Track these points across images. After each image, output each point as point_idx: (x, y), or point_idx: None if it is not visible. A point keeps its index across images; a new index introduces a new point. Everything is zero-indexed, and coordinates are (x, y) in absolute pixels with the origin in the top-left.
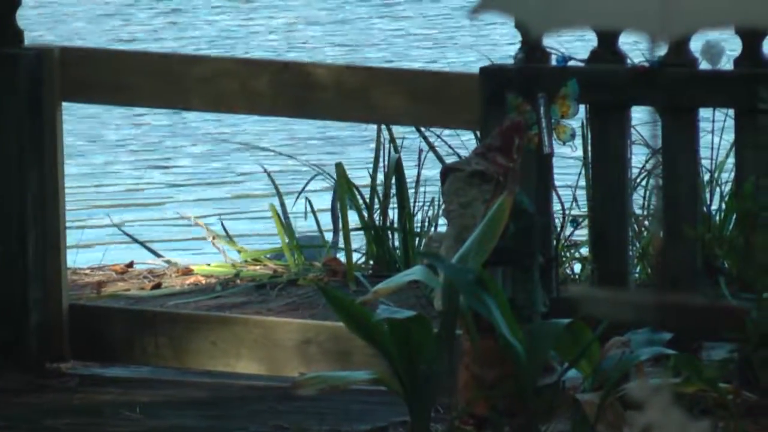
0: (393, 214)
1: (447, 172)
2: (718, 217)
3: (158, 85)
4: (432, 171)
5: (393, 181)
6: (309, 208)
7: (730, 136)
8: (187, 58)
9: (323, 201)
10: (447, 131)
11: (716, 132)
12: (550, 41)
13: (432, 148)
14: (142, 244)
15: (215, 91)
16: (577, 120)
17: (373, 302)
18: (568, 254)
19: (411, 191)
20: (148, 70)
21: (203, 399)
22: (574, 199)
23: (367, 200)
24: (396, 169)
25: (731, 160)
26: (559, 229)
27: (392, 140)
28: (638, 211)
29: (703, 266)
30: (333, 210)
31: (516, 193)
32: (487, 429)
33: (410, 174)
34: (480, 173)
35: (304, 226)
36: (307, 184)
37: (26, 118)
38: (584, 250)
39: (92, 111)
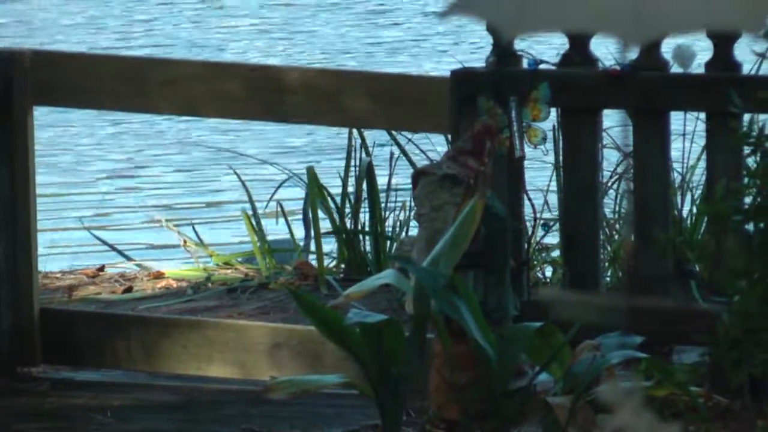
0: (364, 217)
1: (418, 175)
2: (689, 221)
3: (129, 89)
4: (403, 175)
5: (364, 184)
6: (281, 213)
7: (701, 140)
8: (157, 61)
9: (298, 206)
10: (418, 135)
11: (687, 135)
12: (521, 44)
13: (403, 151)
14: (114, 247)
15: (184, 95)
16: (548, 123)
17: (345, 306)
18: (539, 258)
19: (382, 195)
20: (118, 73)
21: (174, 403)
22: (546, 202)
23: (339, 204)
24: (367, 172)
25: (702, 163)
26: (530, 232)
27: (364, 144)
28: (609, 215)
29: (674, 270)
30: (305, 214)
31: (487, 197)
32: None
33: (382, 178)
34: (451, 177)
35: (276, 230)
36: (278, 188)
37: None
38: (555, 254)
39: (66, 116)
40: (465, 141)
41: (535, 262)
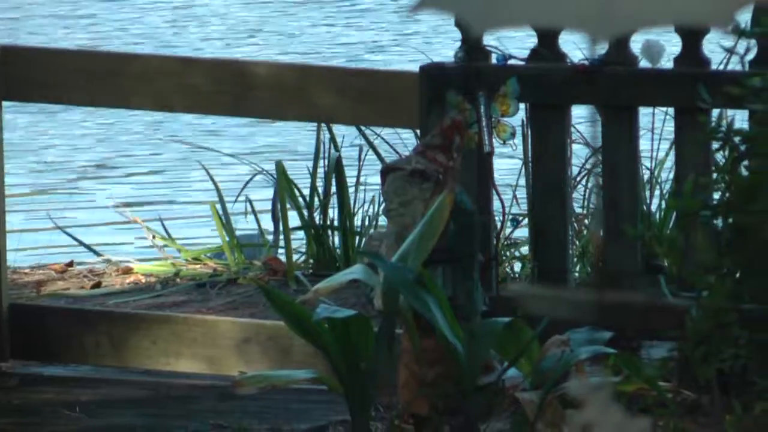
0: (333, 213)
1: (387, 171)
2: (658, 216)
3: (98, 84)
4: (372, 170)
5: (333, 180)
6: (249, 208)
7: (670, 135)
8: (126, 56)
9: (267, 203)
10: (387, 130)
11: (656, 130)
12: (490, 39)
13: (372, 146)
14: (82, 243)
15: (154, 90)
16: (517, 119)
17: (314, 301)
18: (508, 253)
19: (351, 190)
20: (88, 69)
21: (143, 398)
22: (515, 197)
23: (308, 199)
24: (336, 168)
25: (671, 158)
26: (499, 227)
27: (332, 139)
28: (578, 210)
29: (643, 265)
30: (273, 209)
31: (456, 192)
32: (427, 428)
33: (350, 173)
34: (420, 172)
35: (245, 225)
36: (247, 183)
37: None
38: (524, 249)
39: (30, 108)
40: (434, 136)
41: (504, 258)
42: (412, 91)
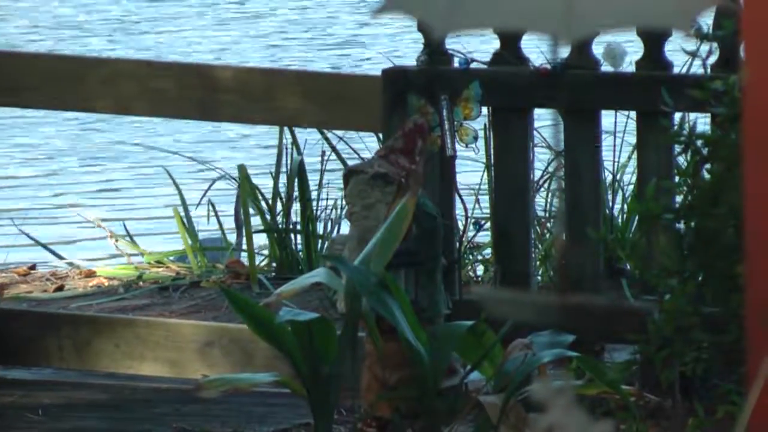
0: (296, 216)
1: (349, 174)
2: (620, 219)
3: (59, 88)
4: (334, 174)
5: (296, 183)
6: (212, 211)
7: (632, 138)
8: (88, 60)
9: (229, 206)
10: (350, 133)
11: (618, 134)
12: (452, 43)
13: (334, 150)
14: (45, 246)
15: (117, 94)
16: (479, 122)
17: (276, 304)
18: (470, 256)
19: (314, 193)
20: (49, 72)
21: (106, 401)
22: (477, 201)
23: (270, 203)
24: (298, 171)
25: (633, 162)
26: (461, 231)
27: (294, 142)
28: (541, 213)
29: (605, 268)
30: (236, 212)
31: (418, 196)
32: (390, 431)
33: (313, 176)
34: (383, 175)
35: (207, 228)
36: (210, 186)
37: None
38: (487, 253)
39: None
40: (396, 139)
41: (467, 261)
42: (376, 94)
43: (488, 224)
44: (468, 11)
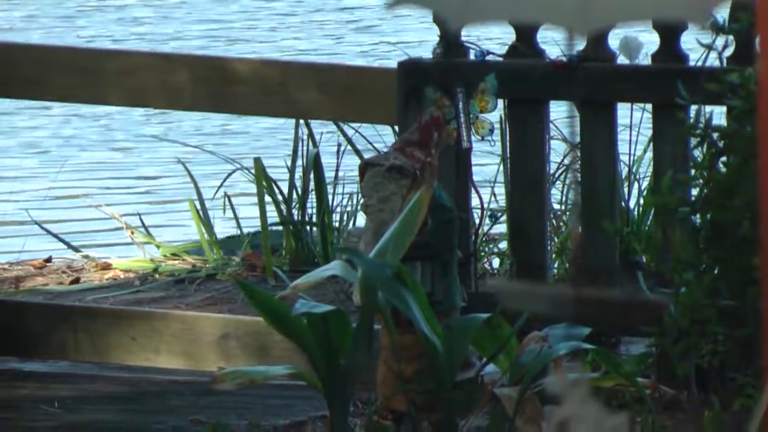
0: (311, 209)
1: (365, 166)
2: (636, 212)
3: (76, 80)
4: (351, 166)
5: (311, 176)
6: (228, 203)
7: (648, 131)
8: (104, 52)
9: (246, 198)
10: (365, 126)
11: (634, 126)
12: (468, 35)
13: (350, 142)
14: (61, 239)
15: (133, 86)
16: (495, 115)
17: (292, 297)
18: (486, 249)
19: (329, 186)
20: (65, 64)
21: (122, 393)
22: (493, 194)
23: (286, 195)
24: (314, 163)
25: (649, 154)
26: (477, 223)
27: (310, 135)
28: (556, 206)
29: (621, 261)
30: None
31: (434, 188)
32: (406, 424)
33: (329, 169)
34: (398, 168)
35: (223, 221)
36: (226, 178)
37: None
38: (503, 245)
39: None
40: (412, 132)
41: (483, 253)
42: (392, 87)
43: (504, 217)
44: (483, 3)
